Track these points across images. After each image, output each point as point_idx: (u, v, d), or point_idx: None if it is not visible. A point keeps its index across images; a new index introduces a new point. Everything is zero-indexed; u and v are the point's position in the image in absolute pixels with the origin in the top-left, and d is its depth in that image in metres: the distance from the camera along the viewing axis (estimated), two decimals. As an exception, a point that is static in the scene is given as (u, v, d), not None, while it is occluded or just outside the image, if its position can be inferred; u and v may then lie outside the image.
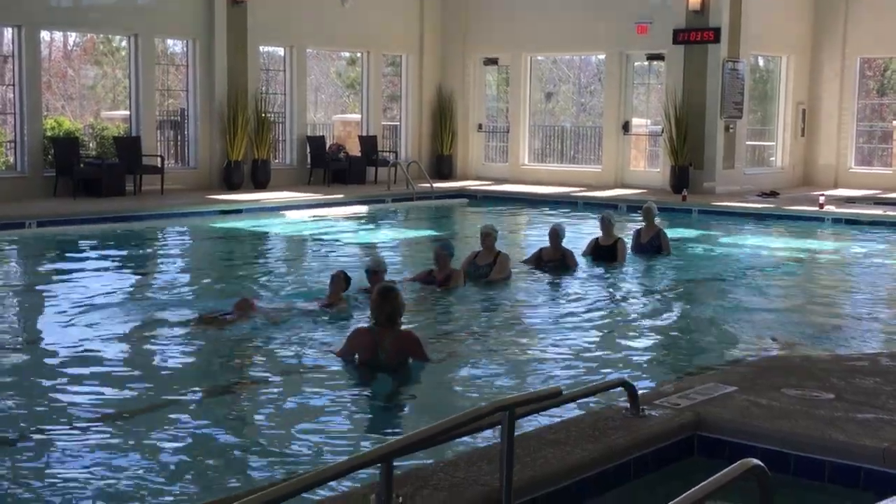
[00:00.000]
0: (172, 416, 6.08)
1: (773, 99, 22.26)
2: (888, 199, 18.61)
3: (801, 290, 11.22)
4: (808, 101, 21.99)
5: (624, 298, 10.25)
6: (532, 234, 16.28)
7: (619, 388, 5.06)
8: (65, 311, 8.96)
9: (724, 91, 19.52)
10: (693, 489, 2.81)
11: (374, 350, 6.80)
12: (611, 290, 10.68)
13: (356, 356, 6.94)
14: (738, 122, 20.08)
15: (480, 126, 23.12)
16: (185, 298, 9.82)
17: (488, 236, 10.60)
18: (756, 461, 3.00)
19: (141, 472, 5.08)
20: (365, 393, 6.78)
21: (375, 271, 8.87)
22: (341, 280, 8.80)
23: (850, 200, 18.60)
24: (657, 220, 12.75)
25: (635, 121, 21.58)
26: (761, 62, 22.40)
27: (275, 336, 7.87)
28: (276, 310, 8.57)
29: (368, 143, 21.31)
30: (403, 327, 7.10)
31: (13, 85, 16.99)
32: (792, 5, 21.56)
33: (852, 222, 16.42)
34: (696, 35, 19.51)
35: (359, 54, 22.55)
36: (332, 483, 3.62)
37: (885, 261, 13.51)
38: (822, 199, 17.26)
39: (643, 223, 12.57)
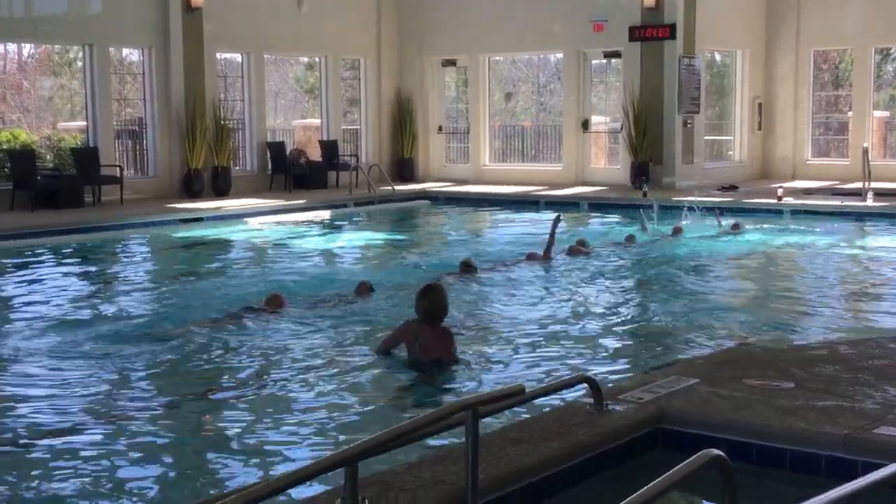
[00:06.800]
0: (138, 422, 6.03)
1: (730, 93, 22.47)
2: (845, 189, 18.82)
3: (760, 282, 11.33)
4: (765, 94, 22.21)
5: (584, 294, 10.28)
6: (497, 234, 16.32)
7: (583, 384, 5.08)
8: (28, 325, 8.85)
9: (681, 87, 19.66)
10: (654, 482, 2.82)
11: (412, 344, 6.94)
12: (571, 286, 10.71)
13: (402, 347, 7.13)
14: (695, 117, 20.22)
15: (441, 128, 23.12)
16: (149, 308, 9.73)
17: None
18: (716, 451, 3.00)
19: (105, 478, 5.05)
20: (327, 396, 6.76)
21: (467, 264, 10.50)
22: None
23: (808, 192, 18.78)
24: None
25: (594, 118, 21.68)
26: (717, 57, 22.60)
27: (247, 339, 7.85)
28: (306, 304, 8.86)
29: (329, 147, 21.26)
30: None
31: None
32: (745, 0, 21.76)
33: (810, 213, 16.57)
34: (651, 32, 19.63)
35: (317, 59, 22.49)
36: (296, 488, 3.60)
37: (843, 251, 13.67)
38: (780, 191, 17.42)
39: None
